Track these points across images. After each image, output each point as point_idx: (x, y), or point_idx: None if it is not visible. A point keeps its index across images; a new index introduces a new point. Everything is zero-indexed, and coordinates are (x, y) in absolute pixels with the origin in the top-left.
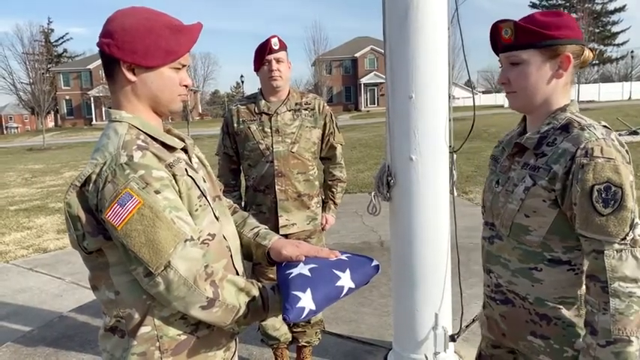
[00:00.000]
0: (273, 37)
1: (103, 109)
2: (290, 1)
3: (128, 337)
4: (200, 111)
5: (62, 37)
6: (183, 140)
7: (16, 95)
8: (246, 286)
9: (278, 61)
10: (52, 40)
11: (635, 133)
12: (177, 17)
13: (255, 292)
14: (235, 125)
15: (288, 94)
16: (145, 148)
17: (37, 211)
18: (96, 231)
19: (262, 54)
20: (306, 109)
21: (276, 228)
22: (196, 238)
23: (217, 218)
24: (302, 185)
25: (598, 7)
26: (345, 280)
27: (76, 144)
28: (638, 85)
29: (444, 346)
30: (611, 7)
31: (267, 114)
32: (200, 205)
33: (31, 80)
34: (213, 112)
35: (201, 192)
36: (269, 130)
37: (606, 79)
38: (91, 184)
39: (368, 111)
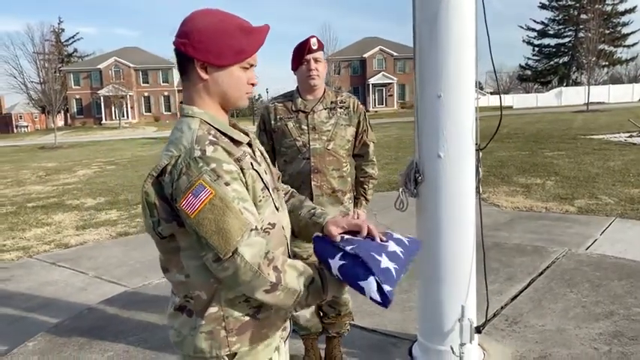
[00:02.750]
0: (312, 37)
1: (113, 108)
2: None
3: (196, 316)
4: None
5: (72, 37)
6: (247, 134)
7: (26, 94)
8: (306, 269)
9: (316, 60)
10: (62, 40)
11: None
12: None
13: (315, 275)
14: (272, 122)
15: (324, 93)
16: (216, 143)
17: (54, 208)
18: (170, 217)
19: (301, 53)
20: (341, 108)
21: None
22: (260, 227)
23: (277, 209)
24: (336, 181)
25: (608, 8)
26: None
27: (87, 143)
28: None
29: (469, 337)
30: (621, 8)
31: (303, 112)
32: (263, 197)
33: (42, 79)
34: None
35: (264, 184)
36: (306, 128)
37: (616, 80)
38: (166, 175)
39: (376, 111)
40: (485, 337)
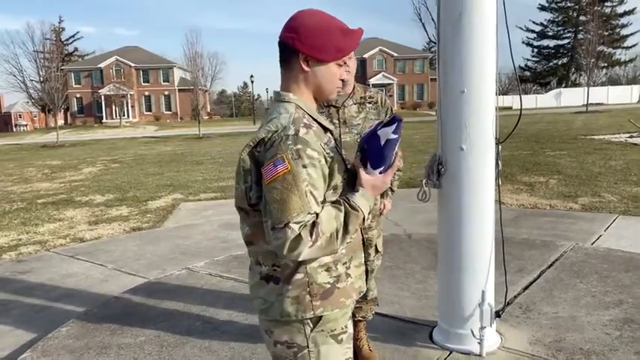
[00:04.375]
0: None
1: (113, 107)
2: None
3: (282, 283)
4: (208, 110)
5: (73, 36)
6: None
7: (26, 93)
8: (334, 208)
9: (348, 57)
10: (63, 39)
11: None
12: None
13: (342, 207)
14: None
15: (354, 89)
16: (310, 127)
17: (64, 204)
18: (260, 182)
19: None
20: (369, 103)
21: None
22: (319, 212)
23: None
24: None
25: (607, 10)
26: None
27: (88, 141)
28: None
29: (490, 321)
30: (620, 9)
31: (334, 107)
32: (344, 178)
33: (42, 78)
34: (221, 112)
35: (346, 167)
36: (337, 122)
37: (614, 81)
38: (262, 146)
39: None
40: (501, 324)
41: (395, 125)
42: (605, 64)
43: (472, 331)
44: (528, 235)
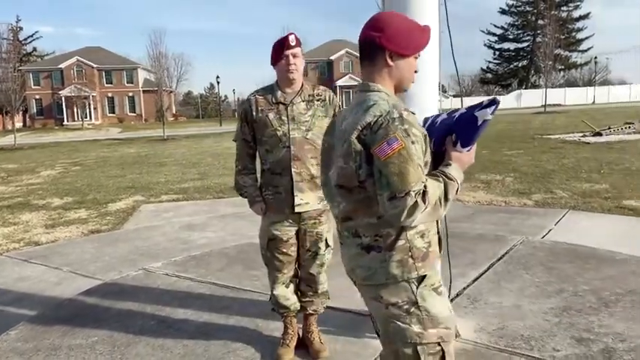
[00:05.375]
0: (291, 34)
1: (75, 109)
2: (266, 2)
3: (385, 250)
4: (174, 111)
5: (31, 36)
6: None
7: None
8: (435, 180)
9: (295, 55)
10: (20, 39)
11: (598, 134)
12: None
13: (441, 178)
14: (254, 114)
15: (302, 86)
16: (409, 110)
17: (20, 208)
18: (369, 160)
19: (281, 49)
20: (318, 100)
21: (292, 207)
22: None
23: None
24: (315, 168)
25: (564, 15)
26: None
27: (48, 144)
28: (600, 90)
29: None
30: (576, 14)
31: (283, 104)
32: (428, 160)
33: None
34: (187, 113)
35: (427, 148)
36: (285, 119)
37: (571, 84)
38: (368, 129)
39: None
40: None
41: (494, 107)
42: (563, 67)
43: None
44: (483, 229)
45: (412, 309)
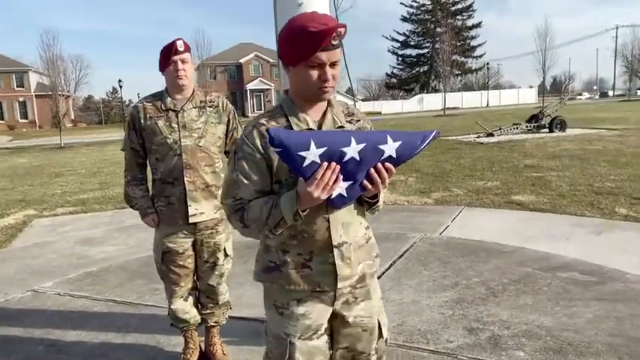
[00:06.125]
0: (179, 39)
1: None
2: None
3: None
4: (72, 117)
5: None
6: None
7: None
8: (264, 204)
9: (183, 61)
10: None
11: (490, 135)
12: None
13: (270, 203)
14: (142, 121)
15: (193, 92)
16: (267, 125)
17: None
18: None
19: (168, 55)
20: (210, 107)
21: (186, 217)
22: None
23: None
24: (209, 177)
25: (459, 23)
26: (390, 149)
27: None
28: (493, 94)
29: None
30: (469, 23)
31: (173, 110)
32: (281, 176)
33: None
34: (88, 119)
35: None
36: (176, 126)
37: (468, 88)
38: None
39: (255, 117)
40: None
41: (268, 138)
42: (460, 72)
43: None
44: (387, 229)
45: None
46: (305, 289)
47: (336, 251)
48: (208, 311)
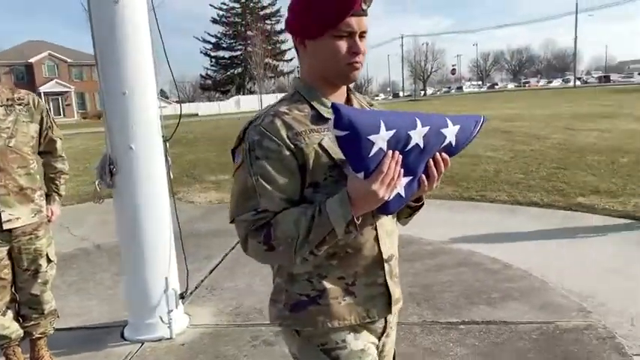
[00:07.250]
0: None
1: None
2: None
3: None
4: None
5: None
6: None
7: None
8: (299, 215)
9: None
10: None
11: None
12: None
13: (310, 212)
14: None
15: None
16: (291, 114)
17: None
18: None
19: None
20: (19, 105)
21: None
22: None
23: None
24: (23, 179)
25: (269, 27)
26: (450, 134)
27: None
28: None
29: (175, 303)
30: (278, 27)
31: None
32: (316, 177)
33: None
34: None
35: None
36: None
37: (282, 89)
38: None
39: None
40: (189, 306)
41: (334, 117)
42: (273, 75)
43: (161, 318)
44: (217, 225)
45: None
46: (352, 324)
47: (386, 267)
48: (32, 323)
